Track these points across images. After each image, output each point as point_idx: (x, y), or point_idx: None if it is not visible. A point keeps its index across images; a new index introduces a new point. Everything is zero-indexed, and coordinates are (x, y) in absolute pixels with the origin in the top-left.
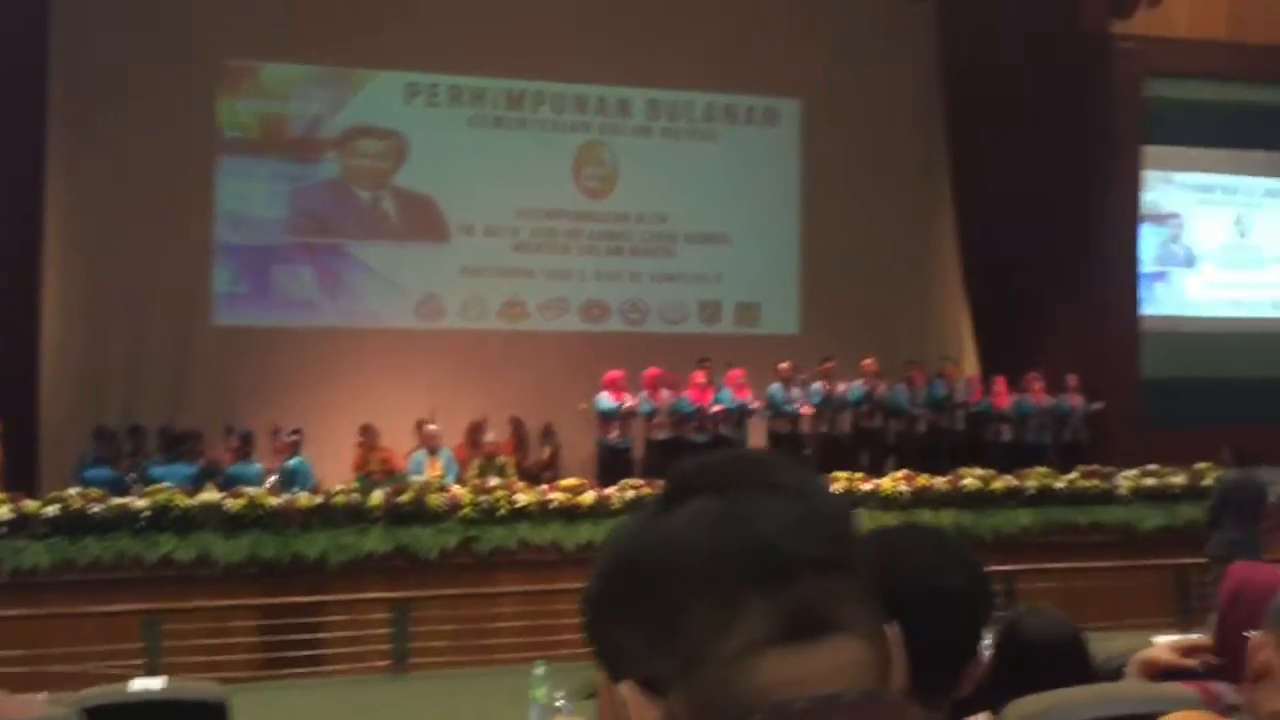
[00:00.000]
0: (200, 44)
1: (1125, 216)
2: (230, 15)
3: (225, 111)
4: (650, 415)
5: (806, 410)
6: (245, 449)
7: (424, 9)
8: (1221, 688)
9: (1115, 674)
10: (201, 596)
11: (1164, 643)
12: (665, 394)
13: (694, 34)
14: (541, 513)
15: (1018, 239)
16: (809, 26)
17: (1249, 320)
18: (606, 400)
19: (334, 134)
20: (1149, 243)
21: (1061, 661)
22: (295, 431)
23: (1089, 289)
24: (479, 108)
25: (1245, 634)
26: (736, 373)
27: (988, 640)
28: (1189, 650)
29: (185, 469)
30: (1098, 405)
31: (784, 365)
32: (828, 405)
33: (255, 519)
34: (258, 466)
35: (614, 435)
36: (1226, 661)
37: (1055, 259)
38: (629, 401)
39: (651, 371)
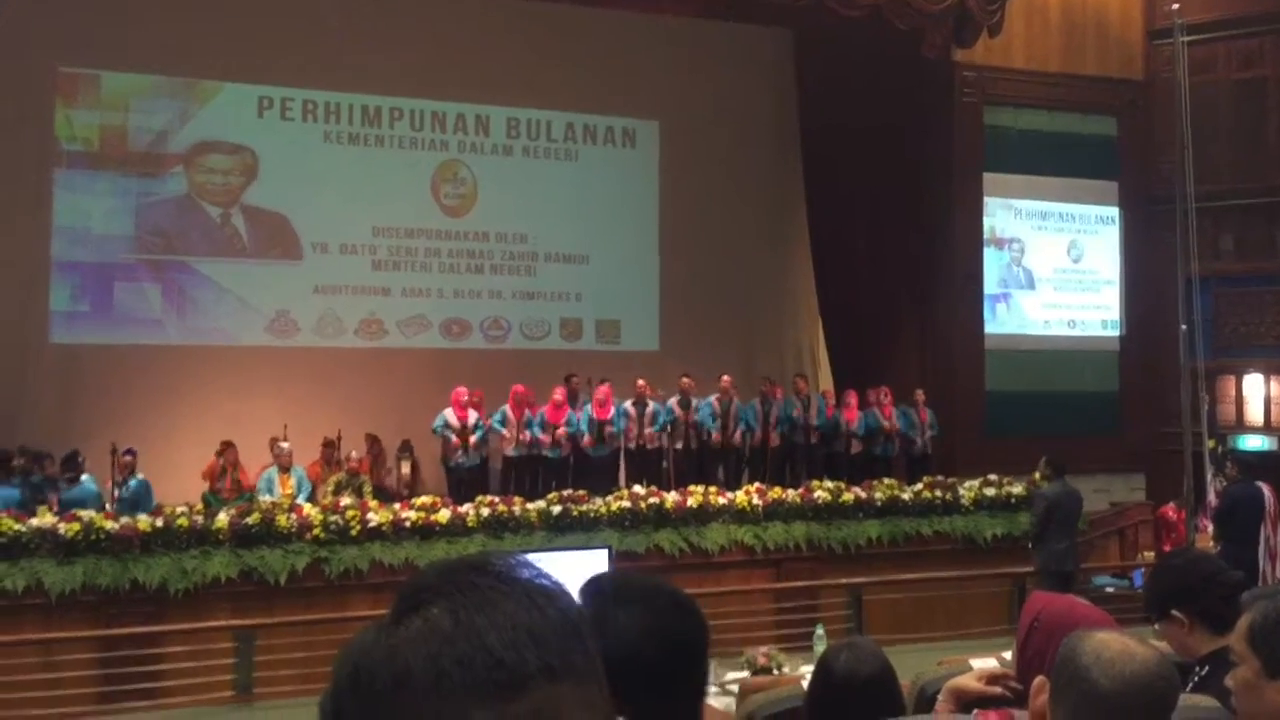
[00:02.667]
0: (34, 50)
1: (970, 240)
2: (66, 20)
3: (62, 122)
4: (486, 432)
5: (649, 435)
6: (75, 470)
7: (275, 20)
8: (1020, 715)
9: (932, 701)
10: (32, 628)
11: (972, 671)
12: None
13: (554, 53)
14: (395, 532)
15: (871, 260)
16: (668, 49)
17: (1081, 338)
18: (450, 418)
19: (180, 148)
20: (992, 265)
21: (872, 696)
22: (129, 451)
23: (938, 308)
24: (334, 123)
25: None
26: (602, 389)
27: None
28: (994, 678)
29: (8, 491)
30: (932, 432)
31: (640, 383)
32: (681, 422)
33: (91, 544)
34: (94, 488)
35: (458, 455)
36: (1025, 688)
37: (906, 279)
38: (471, 418)
39: (517, 388)
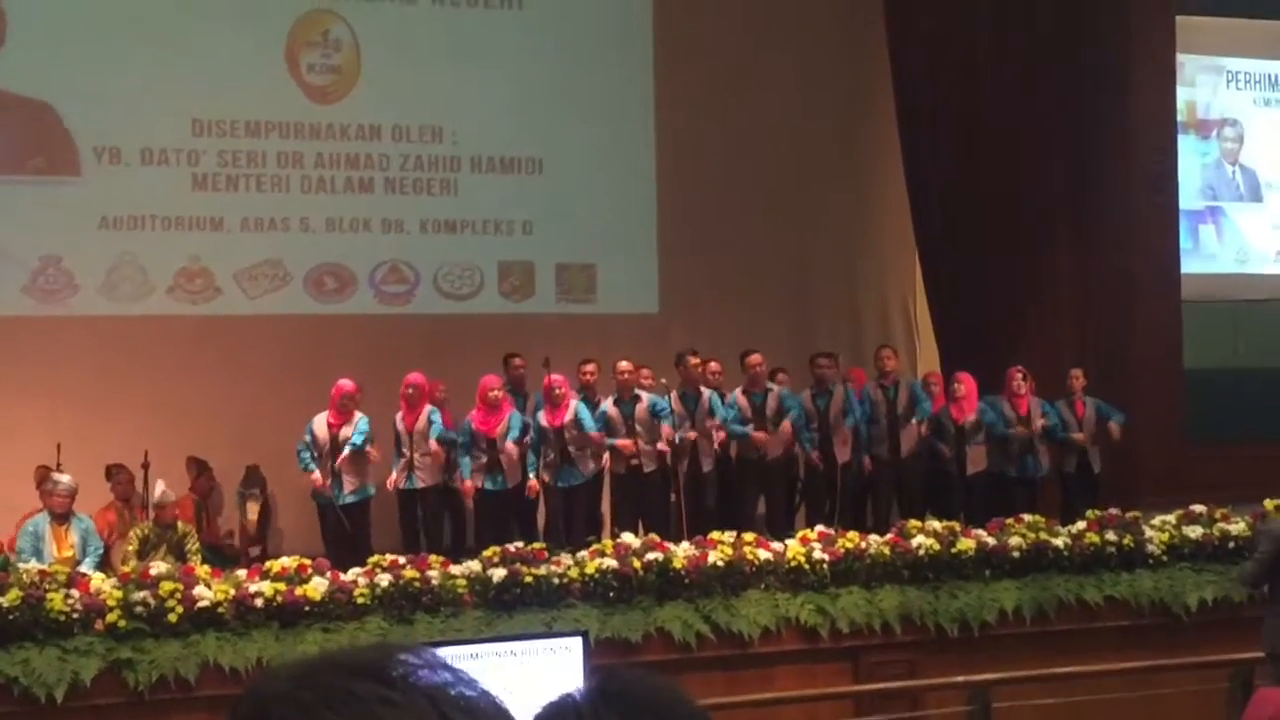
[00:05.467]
0: None
1: (1156, 122)
2: None
3: None
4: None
5: (626, 445)
6: None
7: None
8: None
9: None
10: None
11: None
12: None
13: None
14: (240, 616)
15: (993, 160)
16: None
17: None
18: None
19: None
20: (1192, 164)
21: None
22: None
23: (1104, 235)
24: None
25: None
26: (554, 379)
27: None
28: None
29: None
30: (1117, 420)
31: (623, 365)
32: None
33: None
34: None
35: (349, 487)
36: None
37: (1049, 190)
38: (346, 430)
39: (413, 378)
